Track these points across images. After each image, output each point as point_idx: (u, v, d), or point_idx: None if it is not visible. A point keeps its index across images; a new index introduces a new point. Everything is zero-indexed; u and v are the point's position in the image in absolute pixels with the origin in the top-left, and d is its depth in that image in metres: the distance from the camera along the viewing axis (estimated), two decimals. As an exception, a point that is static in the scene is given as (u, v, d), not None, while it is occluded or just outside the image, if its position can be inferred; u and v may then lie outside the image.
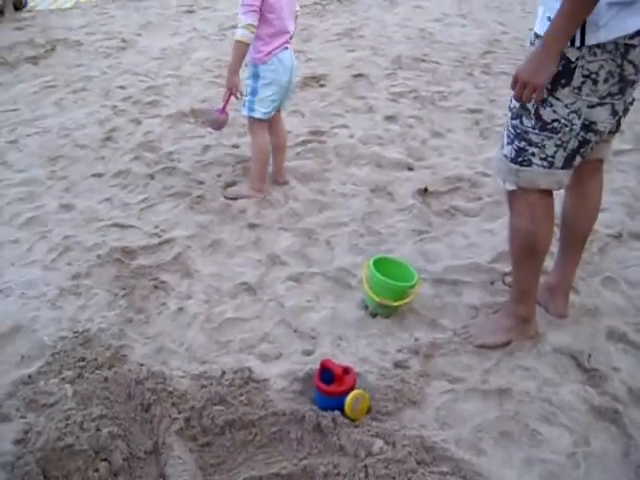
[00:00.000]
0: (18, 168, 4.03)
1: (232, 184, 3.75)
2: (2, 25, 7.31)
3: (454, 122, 4.65)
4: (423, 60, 5.99)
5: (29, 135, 4.51)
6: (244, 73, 3.43)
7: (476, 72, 5.71)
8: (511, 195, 2.37)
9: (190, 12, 7.92)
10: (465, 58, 6.08)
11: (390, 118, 4.69)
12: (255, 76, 3.36)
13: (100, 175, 3.92)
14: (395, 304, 2.63)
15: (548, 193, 2.31)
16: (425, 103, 4.97)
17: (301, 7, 7.56)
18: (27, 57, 6.16)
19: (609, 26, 1.96)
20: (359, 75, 5.55)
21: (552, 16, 1.99)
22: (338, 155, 4.12)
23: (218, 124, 3.60)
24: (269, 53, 3.29)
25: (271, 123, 3.57)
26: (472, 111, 4.83)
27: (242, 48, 3.23)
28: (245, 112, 3.47)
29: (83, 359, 2.43)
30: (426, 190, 3.66)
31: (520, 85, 2.06)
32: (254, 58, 3.32)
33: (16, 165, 4.07)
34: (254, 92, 3.39)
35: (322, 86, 5.32)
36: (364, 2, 8.37)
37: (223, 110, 3.47)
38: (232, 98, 3.41)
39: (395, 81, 5.44)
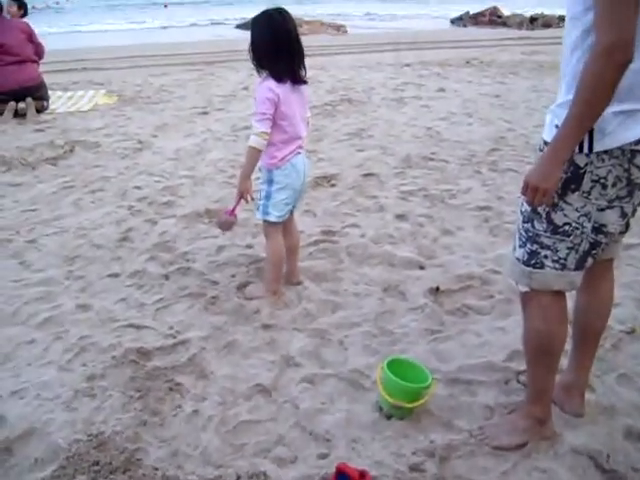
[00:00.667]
0: (36, 268, 4.09)
1: (246, 284, 3.79)
2: (24, 127, 7.54)
3: (464, 220, 4.73)
4: (431, 159, 6.14)
5: (47, 235, 4.59)
6: (255, 175, 3.52)
7: (483, 169, 5.84)
8: (524, 296, 2.40)
9: (204, 114, 8.16)
10: (472, 156, 6.23)
11: (401, 217, 4.77)
12: (269, 181, 3.45)
13: (116, 275, 3.98)
14: (409, 406, 2.62)
15: (561, 294, 2.34)
16: (435, 201, 5.06)
17: (312, 108, 7.81)
18: (47, 158, 6.33)
19: (615, 133, 2.04)
20: (369, 174, 5.68)
21: (559, 124, 2.08)
22: (350, 255, 4.17)
23: (226, 225, 3.66)
24: (282, 159, 3.39)
25: (284, 225, 3.64)
26: (481, 208, 4.92)
27: (255, 154, 3.33)
28: (259, 216, 3.54)
29: (97, 463, 2.42)
30: (438, 289, 3.69)
31: (531, 190, 2.13)
32: (268, 164, 3.41)
33: (34, 265, 4.13)
34: (268, 196, 3.47)
35: (333, 186, 5.44)
36: (373, 102, 8.62)
37: (232, 212, 3.54)
38: (242, 201, 3.49)
39: (405, 180, 5.56)
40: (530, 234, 2.28)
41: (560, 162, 2.07)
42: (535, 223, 2.26)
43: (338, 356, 3.14)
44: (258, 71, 3.34)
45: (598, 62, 1.90)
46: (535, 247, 2.27)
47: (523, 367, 2.75)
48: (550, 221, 2.21)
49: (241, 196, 3.44)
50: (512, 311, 3.41)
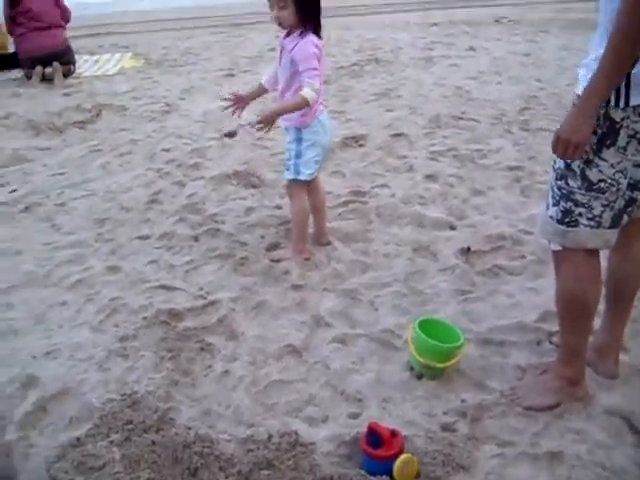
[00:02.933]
0: (66, 230, 4.13)
1: (275, 245, 3.79)
2: (52, 92, 7.55)
3: (494, 180, 4.66)
4: (461, 118, 6.05)
5: (76, 198, 4.62)
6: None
7: (514, 129, 5.74)
8: (557, 255, 2.36)
9: (231, 76, 8.11)
10: (503, 115, 6.12)
11: (430, 177, 4.71)
12: (298, 140, 3.41)
13: (146, 237, 3.99)
14: (441, 366, 2.61)
15: (594, 252, 2.30)
16: (465, 161, 5.00)
17: (339, 68, 7.79)
18: (75, 122, 6.34)
19: None
20: (398, 134, 5.60)
21: None
22: (379, 215, 4.15)
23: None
24: (313, 115, 3.35)
25: (309, 184, 3.61)
26: (512, 168, 4.84)
27: (304, 106, 3.24)
28: (291, 176, 3.50)
29: (130, 422, 2.44)
30: (469, 249, 3.65)
31: (562, 145, 2.07)
32: (300, 121, 3.36)
33: (64, 228, 4.17)
34: (298, 155, 3.43)
35: (362, 146, 5.39)
36: (400, 62, 8.50)
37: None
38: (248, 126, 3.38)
39: (434, 140, 5.49)
40: (564, 191, 2.23)
41: (592, 114, 2.01)
42: (569, 180, 2.20)
43: (368, 316, 3.13)
44: (290, 26, 3.23)
45: (632, 5, 1.84)
46: (569, 205, 2.22)
47: (555, 328, 2.72)
48: (585, 178, 2.16)
49: (262, 126, 3.29)
50: (544, 272, 3.37)
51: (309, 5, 3.21)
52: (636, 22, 1.85)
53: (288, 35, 3.29)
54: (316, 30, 3.26)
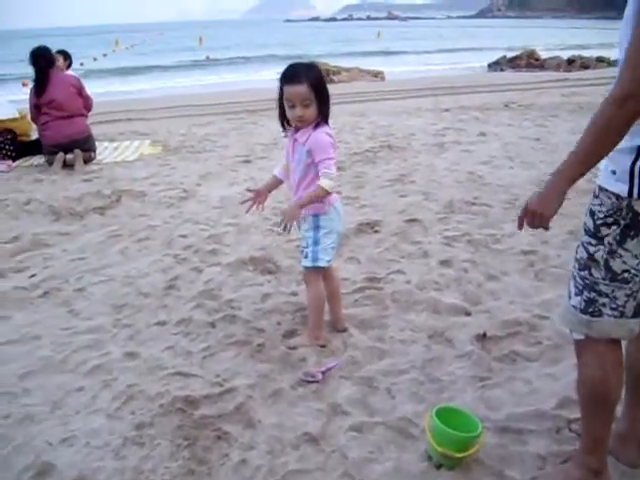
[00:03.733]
0: (85, 316, 4.15)
1: (292, 332, 3.80)
2: (72, 178, 7.72)
3: (508, 265, 4.69)
4: (474, 203, 6.14)
5: (95, 283, 4.66)
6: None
7: (527, 213, 5.78)
8: (579, 344, 2.36)
9: (247, 162, 8.27)
10: (515, 199, 6.20)
11: (445, 262, 4.75)
12: (316, 227, 3.47)
13: (163, 323, 4.01)
14: (459, 456, 2.58)
15: (617, 341, 2.31)
16: (478, 246, 5.05)
17: (353, 155, 7.93)
18: (94, 207, 6.45)
19: None
20: (412, 220, 5.69)
21: (616, 170, 2.07)
22: (395, 301, 4.16)
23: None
24: (329, 203, 3.43)
25: (324, 271, 3.65)
26: (525, 253, 4.88)
27: (324, 196, 3.34)
28: (309, 263, 3.53)
29: (146, 513, 2.42)
30: (485, 335, 3.65)
31: (530, 215, 2.15)
32: (317, 209, 3.41)
33: (83, 313, 4.19)
34: (316, 242, 3.48)
35: (376, 232, 5.46)
36: (413, 148, 8.67)
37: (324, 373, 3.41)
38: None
39: (448, 225, 5.56)
40: (587, 282, 2.25)
41: (560, 192, 2.08)
42: (592, 270, 2.23)
43: (386, 404, 3.11)
44: (311, 122, 3.33)
45: (611, 107, 1.93)
46: (593, 295, 2.24)
47: (574, 415, 2.70)
48: (609, 268, 2.19)
49: (288, 220, 3.33)
50: (561, 357, 3.36)
51: (327, 98, 3.34)
52: (611, 125, 1.95)
53: (298, 129, 3.39)
54: (327, 119, 3.38)
